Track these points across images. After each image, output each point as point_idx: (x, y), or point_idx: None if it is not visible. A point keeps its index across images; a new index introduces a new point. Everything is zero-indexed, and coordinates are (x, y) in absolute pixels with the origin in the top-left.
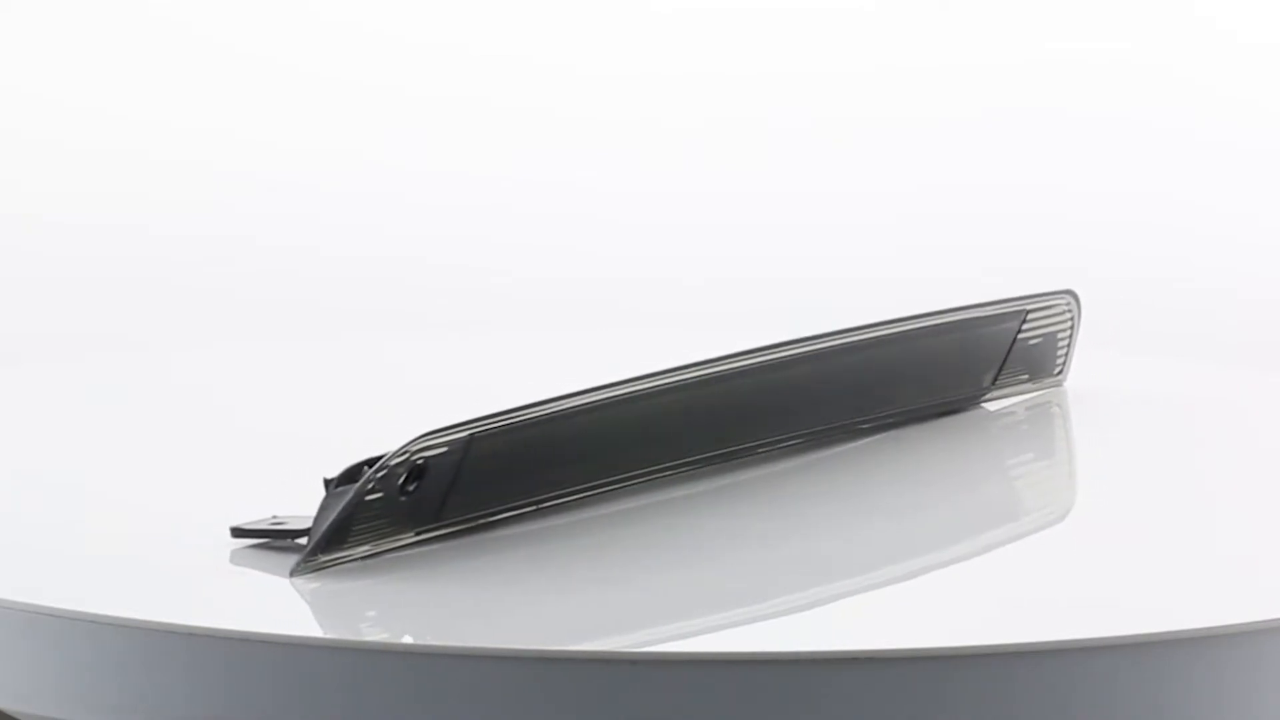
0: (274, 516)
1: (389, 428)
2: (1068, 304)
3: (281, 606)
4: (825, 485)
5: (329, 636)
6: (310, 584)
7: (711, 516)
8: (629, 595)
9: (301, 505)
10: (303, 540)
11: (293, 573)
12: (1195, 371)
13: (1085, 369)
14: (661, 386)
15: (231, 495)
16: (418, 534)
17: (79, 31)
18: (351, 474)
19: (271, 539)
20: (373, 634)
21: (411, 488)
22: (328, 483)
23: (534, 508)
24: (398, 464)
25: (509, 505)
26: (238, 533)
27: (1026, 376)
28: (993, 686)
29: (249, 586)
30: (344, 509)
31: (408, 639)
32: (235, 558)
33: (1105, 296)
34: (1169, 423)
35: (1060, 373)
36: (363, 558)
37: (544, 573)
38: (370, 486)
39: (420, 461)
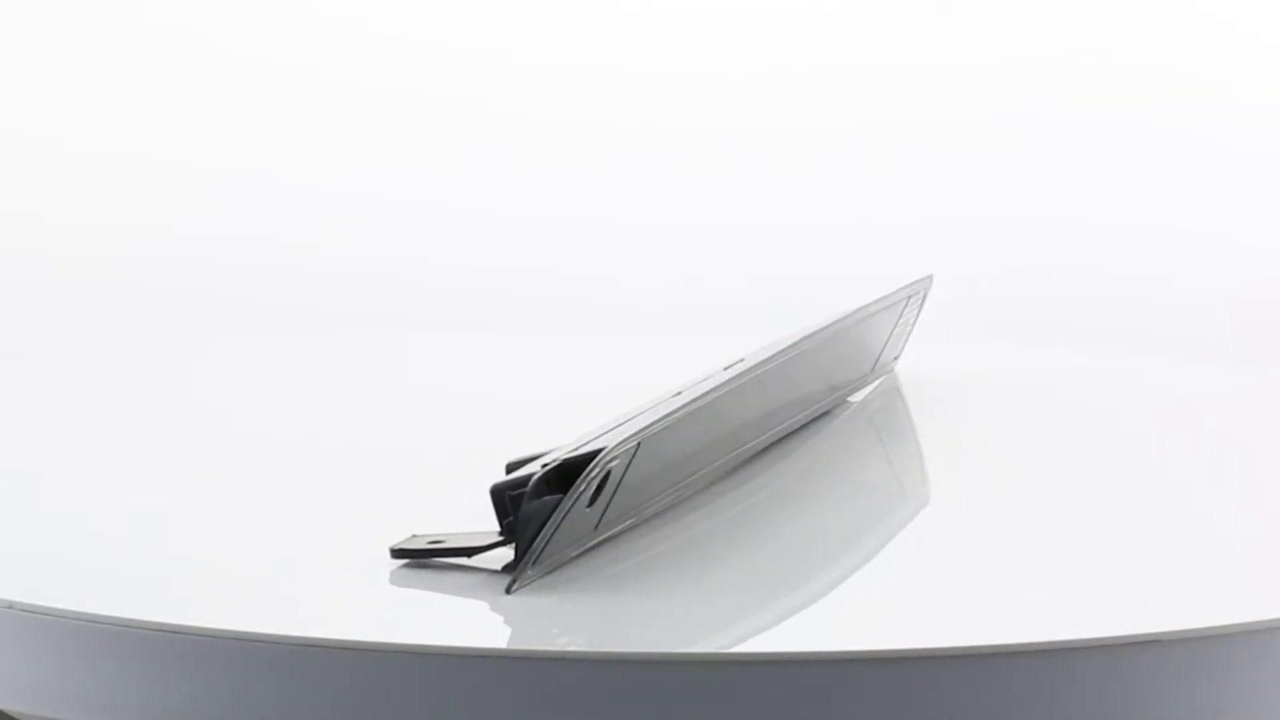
0: (414, 534)
1: (392, 430)
2: (925, 289)
3: (525, 622)
4: (822, 479)
5: (644, 650)
6: (523, 599)
7: (730, 514)
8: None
9: (303, 504)
10: (466, 559)
11: (509, 590)
12: (1150, 365)
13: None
14: (749, 378)
15: (234, 495)
16: (578, 546)
17: (79, 31)
18: (539, 488)
19: (431, 558)
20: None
21: (594, 499)
22: (498, 493)
23: (636, 514)
24: (596, 475)
25: (644, 508)
26: (398, 553)
27: (882, 364)
28: (992, 686)
29: (461, 605)
30: (554, 521)
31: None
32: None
33: (1105, 297)
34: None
35: (898, 358)
36: (550, 571)
37: (686, 574)
38: (575, 499)
39: (608, 472)
